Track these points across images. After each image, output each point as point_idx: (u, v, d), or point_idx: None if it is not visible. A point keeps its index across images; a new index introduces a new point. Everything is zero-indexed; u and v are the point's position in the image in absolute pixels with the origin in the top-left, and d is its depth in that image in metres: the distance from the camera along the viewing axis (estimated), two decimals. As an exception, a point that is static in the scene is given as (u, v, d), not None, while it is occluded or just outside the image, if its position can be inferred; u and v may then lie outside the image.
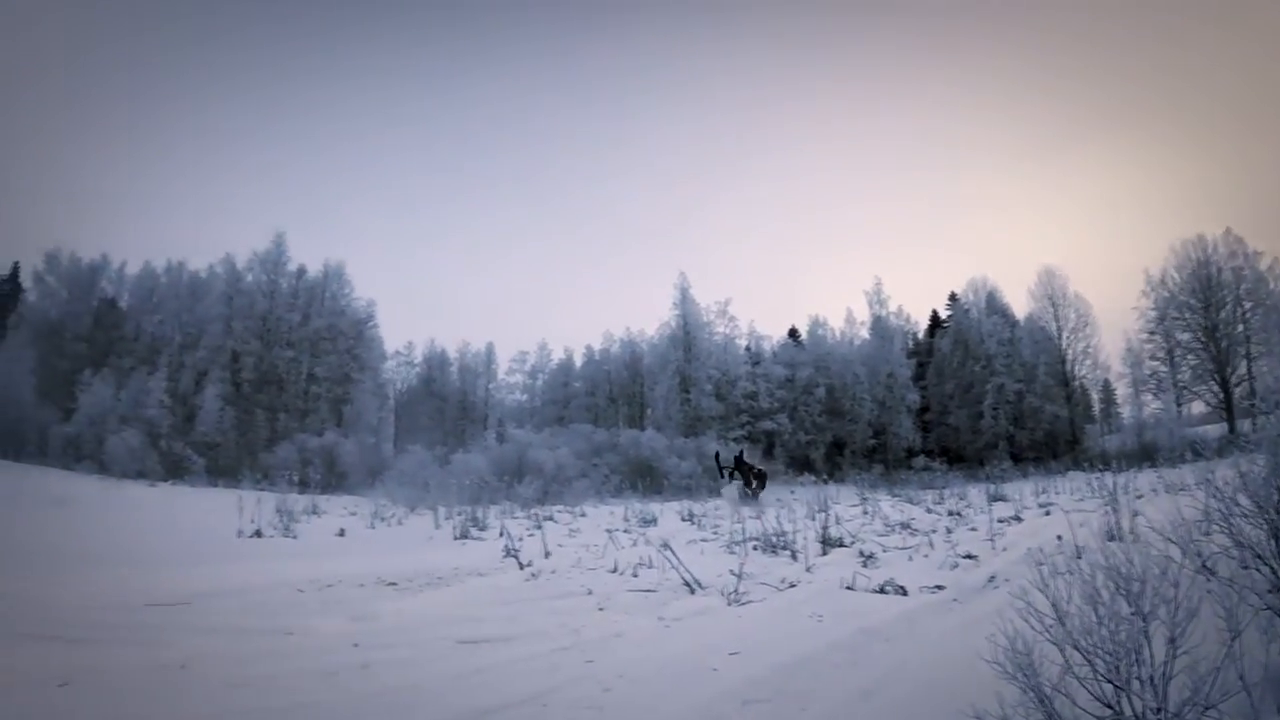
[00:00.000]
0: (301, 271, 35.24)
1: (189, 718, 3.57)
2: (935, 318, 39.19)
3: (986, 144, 62.65)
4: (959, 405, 35.37)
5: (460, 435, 35.71)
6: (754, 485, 21.01)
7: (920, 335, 39.14)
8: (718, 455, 23.61)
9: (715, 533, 12.15)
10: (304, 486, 20.54)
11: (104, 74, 56.25)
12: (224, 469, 27.26)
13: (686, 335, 36.69)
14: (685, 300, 37.38)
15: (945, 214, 58.99)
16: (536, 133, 63.51)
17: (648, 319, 52.88)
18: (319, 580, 7.85)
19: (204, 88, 58.20)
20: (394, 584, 7.73)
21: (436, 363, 39.44)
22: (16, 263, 33.31)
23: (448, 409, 38.01)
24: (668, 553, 7.35)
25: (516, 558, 8.87)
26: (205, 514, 15.19)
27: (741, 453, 23.23)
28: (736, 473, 20.82)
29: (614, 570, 7.87)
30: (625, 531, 12.46)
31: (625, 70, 62.13)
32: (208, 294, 33.44)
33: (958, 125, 61.34)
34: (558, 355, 40.29)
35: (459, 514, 14.94)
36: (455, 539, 12.38)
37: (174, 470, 26.45)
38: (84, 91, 54.01)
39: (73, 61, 53.07)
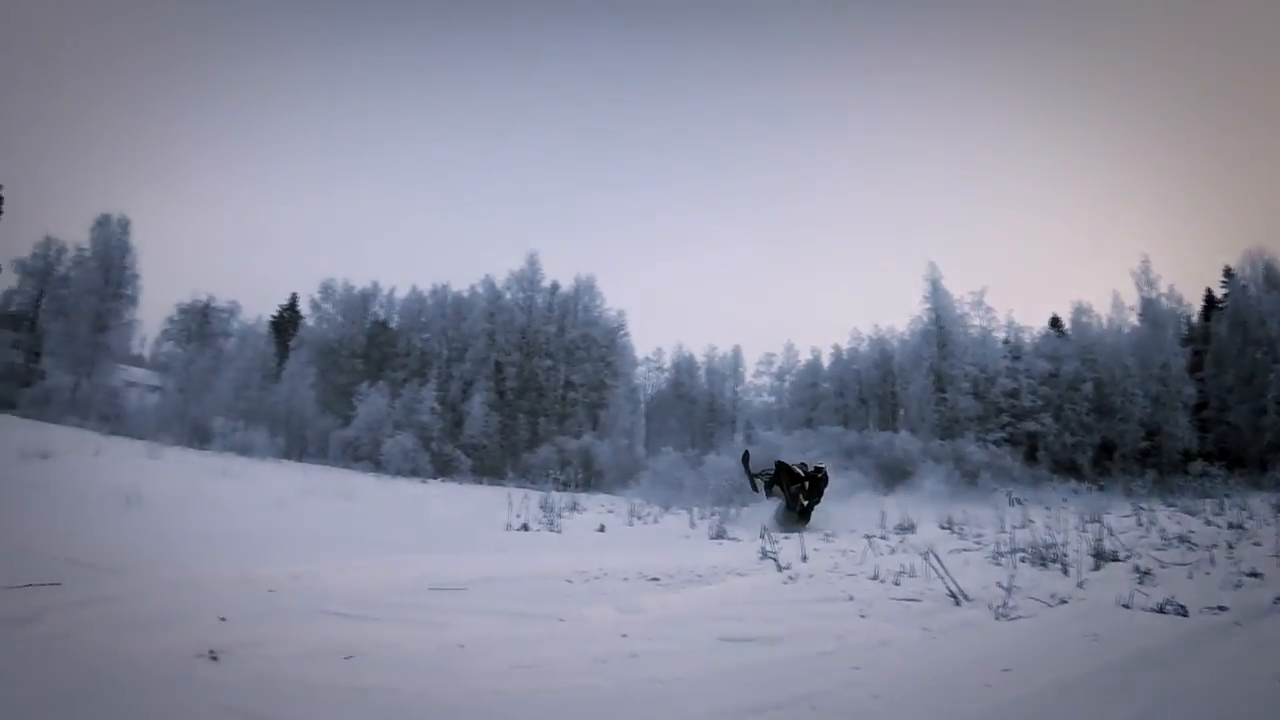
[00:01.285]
0: (555, 287, 40.30)
1: (469, 693, 3.84)
2: (1210, 298, 34.97)
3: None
4: (1239, 400, 31.47)
5: (709, 437, 37.76)
6: (801, 500, 16.05)
7: (1194, 319, 35.01)
8: (746, 456, 19.60)
9: (978, 542, 11.91)
10: (563, 485, 22.26)
11: (364, 119, 66.38)
12: (489, 468, 32.52)
13: (940, 329, 35.63)
14: (936, 292, 36.31)
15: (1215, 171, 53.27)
16: (779, 133, 65.69)
17: (896, 314, 52.69)
18: (585, 572, 8.21)
19: (469, 131, 66.59)
20: (656, 579, 7.99)
21: (685, 367, 41.86)
22: (294, 293, 40.43)
23: (696, 412, 40.34)
24: (933, 561, 7.32)
25: (775, 560, 9.07)
26: (475, 508, 16.76)
27: (753, 465, 19.36)
28: (776, 485, 16.84)
29: (874, 577, 7.84)
30: (883, 538, 12.53)
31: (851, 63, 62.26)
32: (470, 312, 39.18)
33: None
34: (804, 356, 40.59)
35: (713, 514, 15.56)
36: (711, 538, 12.88)
37: (443, 469, 31.92)
38: (347, 144, 63.95)
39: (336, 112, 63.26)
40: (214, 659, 4.01)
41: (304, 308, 39.50)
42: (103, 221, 33.75)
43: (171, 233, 54.53)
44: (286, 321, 38.75)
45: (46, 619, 4.53)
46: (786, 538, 12.17)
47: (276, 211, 62.00)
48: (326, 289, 38.86)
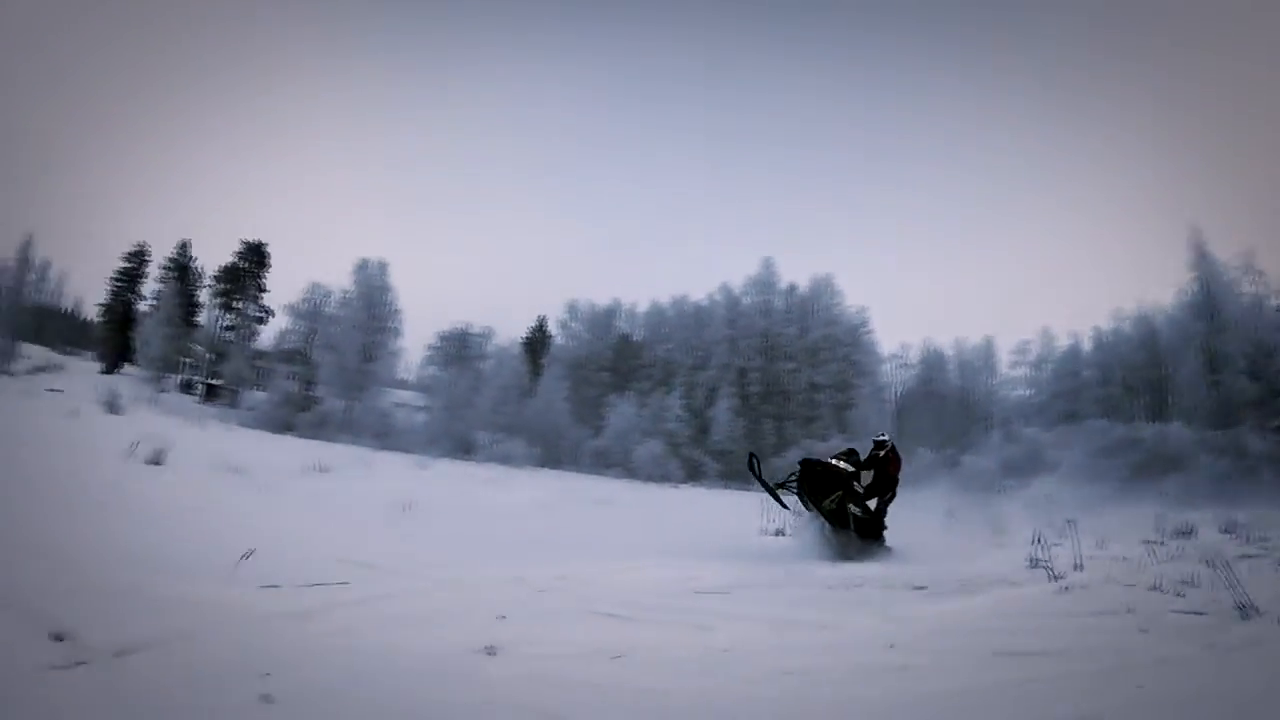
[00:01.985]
0: (792, 289, 42.54)
1: (741, 699, 4.04)
2: None
3: None
4: None
5: (962, 436, 36.51)
6: (852, 510, 11.61)
7: None
8: (754, 461, 12.78)
9: (1264, 547, 11.08)
10: None
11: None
12: (736, 473, 34.22)
13: (1209, 301, 32.39)
14: (1203, 261, 33.03)
15: None
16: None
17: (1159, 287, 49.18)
18: (846, 579, 8.52)
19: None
20: (922, 587, 8.05)
21: (934, 362, 41.43)
22: (543, 316, 45.83)
23: (947, 408, 39.28)
24: (1219, 570, 6.94)
25: (1048, 569, 8.68)
26: (727, 512, 17.55)
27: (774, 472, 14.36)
28: (805, 492, 11.86)
29: (1154, 588, 7.34)
30: (1160, 543, 11.90)
31: None
32: (710, 320, 42.32)
33: None
34: (1063, 341, 38.37)
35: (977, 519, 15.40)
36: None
37: (692, 474, 35.14)
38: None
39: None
40: (492, 655, 4.56)
41: (552, 328, 44.78)
42: (362, 265, 39.98)
43: (427, 270, 63.06)
44: (537, 341, 43.95)
45: (334, 615, 5.26)
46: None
47: (517, 243, 69.99)
48: (573, 309, 43.91)
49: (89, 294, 48.53)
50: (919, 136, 72.01)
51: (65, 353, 46.49)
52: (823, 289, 42.16)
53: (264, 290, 43.39)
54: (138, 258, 45.08)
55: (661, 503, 22.05)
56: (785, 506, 12.60)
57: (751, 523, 13.96)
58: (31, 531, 6.41)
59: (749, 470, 13.03)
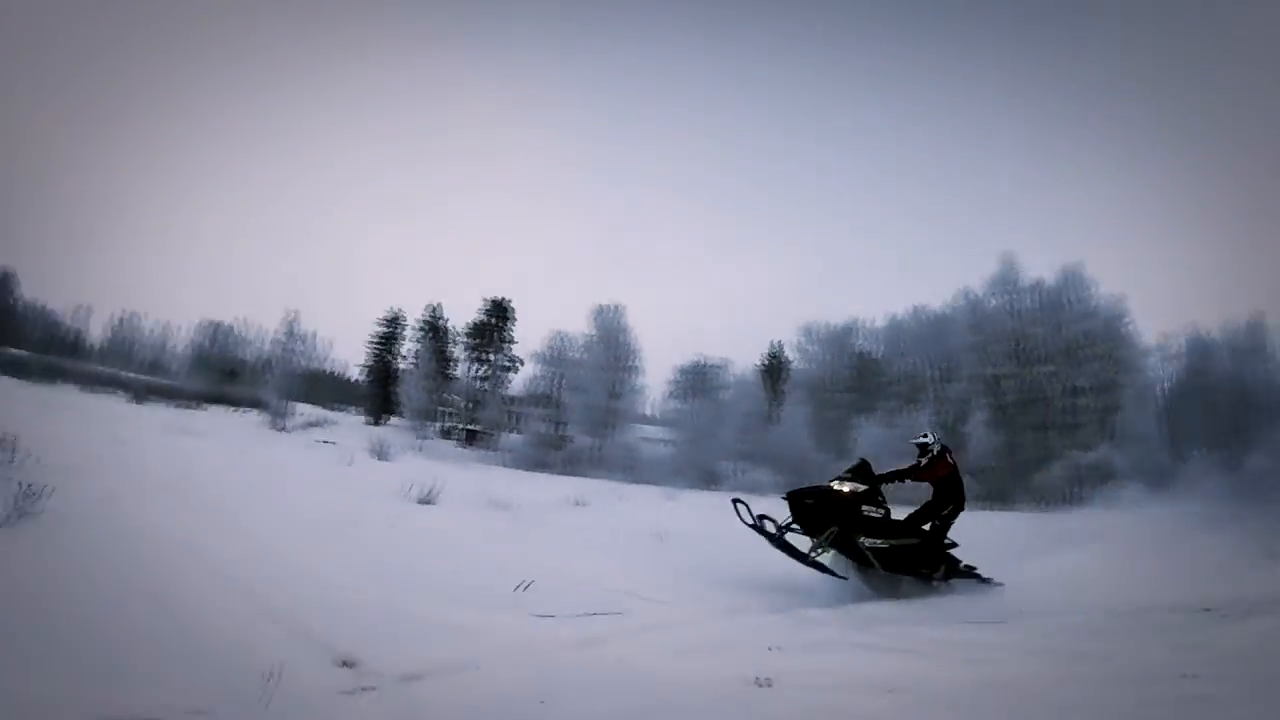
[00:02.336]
0: (1039, 284, 40.16)
1: None
2: None
3: None
4: None
5: (1241, 432, 33.27)
6: (862, 545, 10.34)
7: None
8: (736, 504, 10.93)
9: None
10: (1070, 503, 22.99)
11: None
12: (995, 492, 33.90)
13: None
14: None
15: None
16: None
17: None
18: (1132, 603, 8.50)
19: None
20: (1209, 609, 7.84)
21: (1201, 350, 38.11)
22: (779, 341, 46.82)
23: (1221, 402, 35.63)
24: None
25: None
26: (994, 534, 16.11)
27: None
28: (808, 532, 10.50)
29: None
30: None
31: None
32: (953, 328, 41.36)
33: None
34: None
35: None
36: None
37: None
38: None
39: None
40: (766, 686, 4.70)
41: (788, 353, 45.92)
42: (601, 311, 44.02)
43: (659, 306, 67.47)
44: (774, 367, 45.59)
45: (612, 643, 5.57)
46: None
47: (746, 269, 73.26)
48: (808, 330, 44.75)
49: (352, 356, 55.03)
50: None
51: (333, 409, 53.78)
52: (1072, 280, 39.53)
53: (511, 342, 48.17)
54: (393, 322, 51.51)
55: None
56: (820, 566, 10.08)
57: (1014, 544, 13.75)
58: (319, 566, 7.23)
59: (736, 512, 10.72)
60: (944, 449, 11.43)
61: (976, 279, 42.84)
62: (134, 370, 55.32)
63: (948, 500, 11.12)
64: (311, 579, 6.78)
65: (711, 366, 44.39)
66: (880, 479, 10.78)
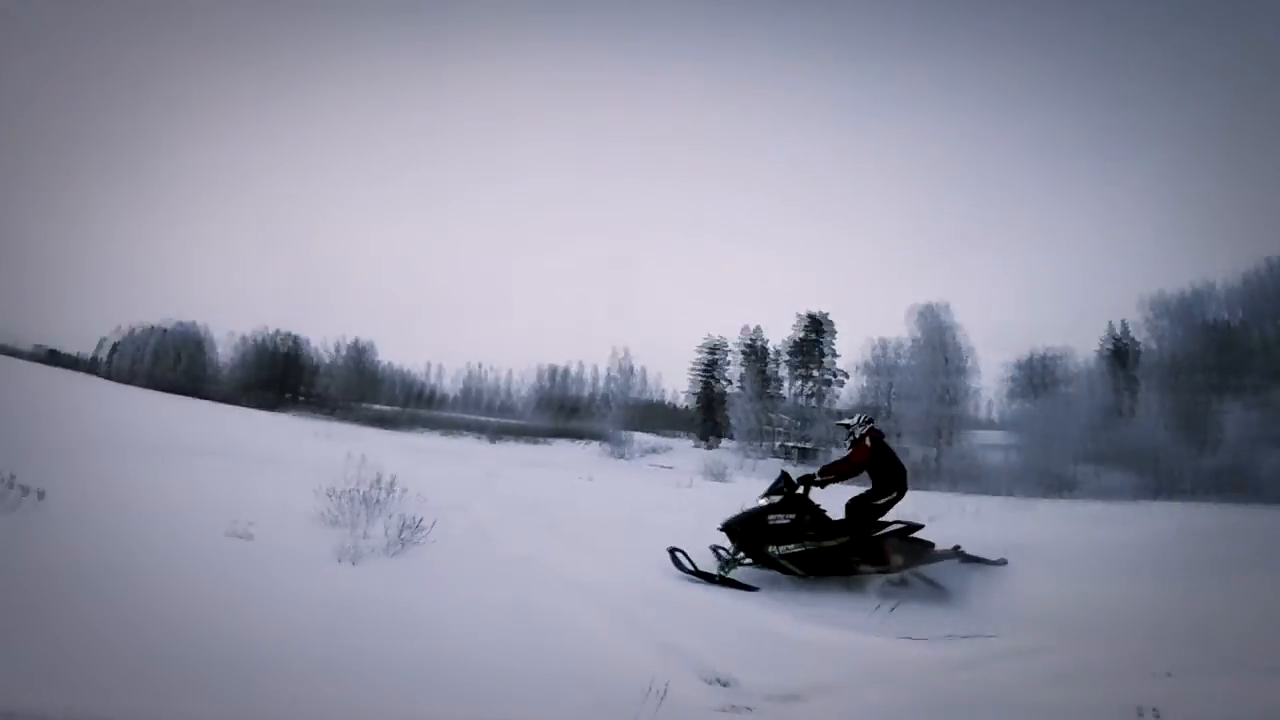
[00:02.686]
0: None
1: None
2: None
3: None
4: None
5: None
6: (776, 556, 10.41)
7: None
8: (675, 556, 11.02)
9: None
10: None
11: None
12: None
13: None
14: None
15: None
16: None
17: None
18: None
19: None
20: None
21: None
22: (1123, 320, 43.86)
23: None
24: None
25: None
26: None
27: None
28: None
29: None
30: None
31: None
32: None
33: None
34: None
35: None
36: None
37: None
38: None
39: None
40: (1156, 716, 4.55)
41: (1135, 334, 42.35)
42: (924, 311, 44.64)
43: (986, 301, 67.18)
44: (1123, 351, 42.45)
45: (980, 667, 5.54)
46: None
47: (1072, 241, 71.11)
48: (1156, 304, 40.20)
49: (678, 384, 60.19)
50: None
51: (666, 435, 59.10)
52: None
53: (833, 355, 50.75)
54: (714, 349, 56.68)
55: None
56: (730, 582, 10.28)
57: None
58: (677, 585, 7.85)
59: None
60: (866, 432, 11.20)
61: None
62: (485, 414, 63.91)
63: (888, 487, 10.91)
64: (672, 598, 7.34)
65: (1051, 358, 43.14)
66: (805, 481, 10.91)
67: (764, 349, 53.48)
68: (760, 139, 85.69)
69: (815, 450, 47.68)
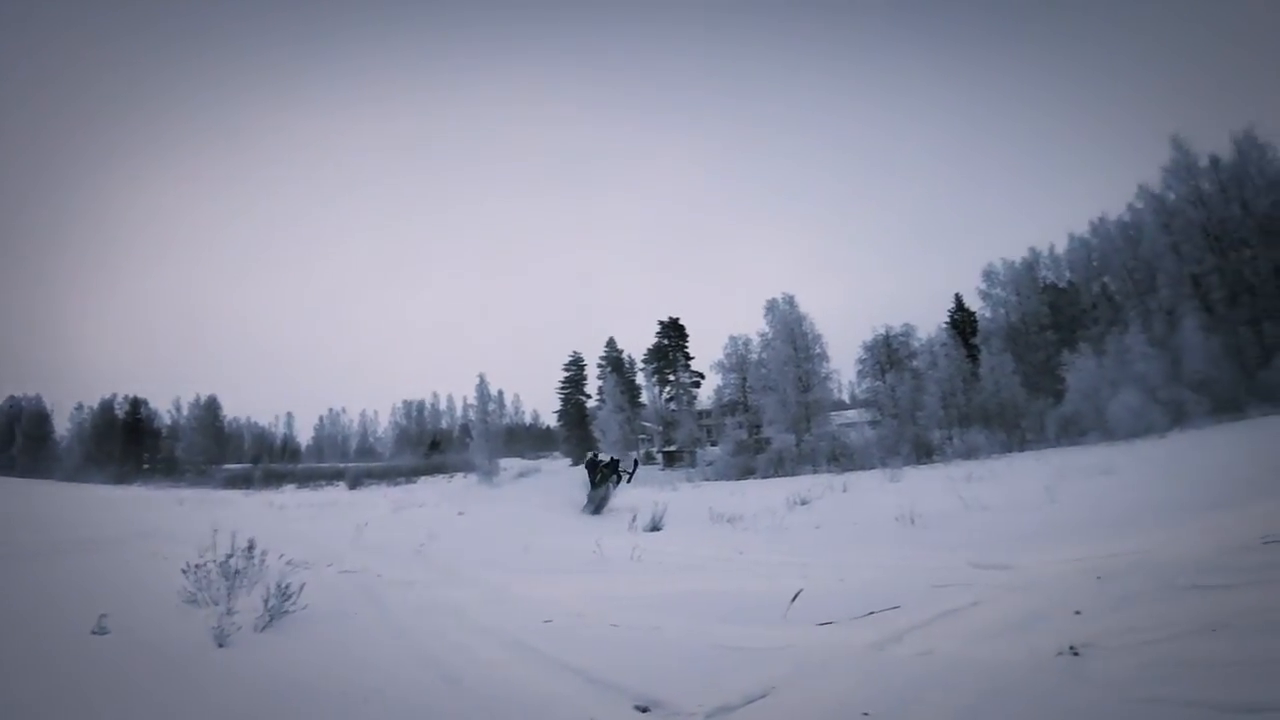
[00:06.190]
0: (1215, 161, 36.77)
1: None
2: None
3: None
4: None
5: None
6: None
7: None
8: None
9: None
10: None
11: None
12: (1225, 402, 31.40)
13: None
14: None
15: None
16: None
17: None
18: None
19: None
20: None
21: None
22: (958, 294, 45.93)
23: None
24: None
25: None
26: (1243, 449, 17.40)
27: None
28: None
29: None
30: None
31: None
32: (1140, 234, 38.70)
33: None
34: None
35: None
36: None
37: (1177, 417, 32.10)
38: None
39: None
40: (1075, 654, 4.67)
41: (972, 301, 44.61)
42: (771, 305, 45.30)
43: (831, 288, 68.22)
44: (961, 321, 44.24)
45: (909, 640, 5.48)
46: None
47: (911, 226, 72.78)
48: (989, 274, 43.28)
49: (544, 404, 59.32)
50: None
51: (536, 457, 57.80)
52: (1248, 147, 35.97)
53: (690, 358, 50.20)
54: (576, 365, 55.37)
55: (1167, 454, 20.96)
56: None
57: (1275, 453, 13.30)
58: (583, 610, 7.34)
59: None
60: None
61: (1153, 172, 40.02)
62: (345, 460, 61.34)
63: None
64: (576, 624, 6.88)
65: (896, 336, 44.55)
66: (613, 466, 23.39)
67: (623, 359, 52.64)
68: (610, 157, 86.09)
69: (681, 453, 47.11)
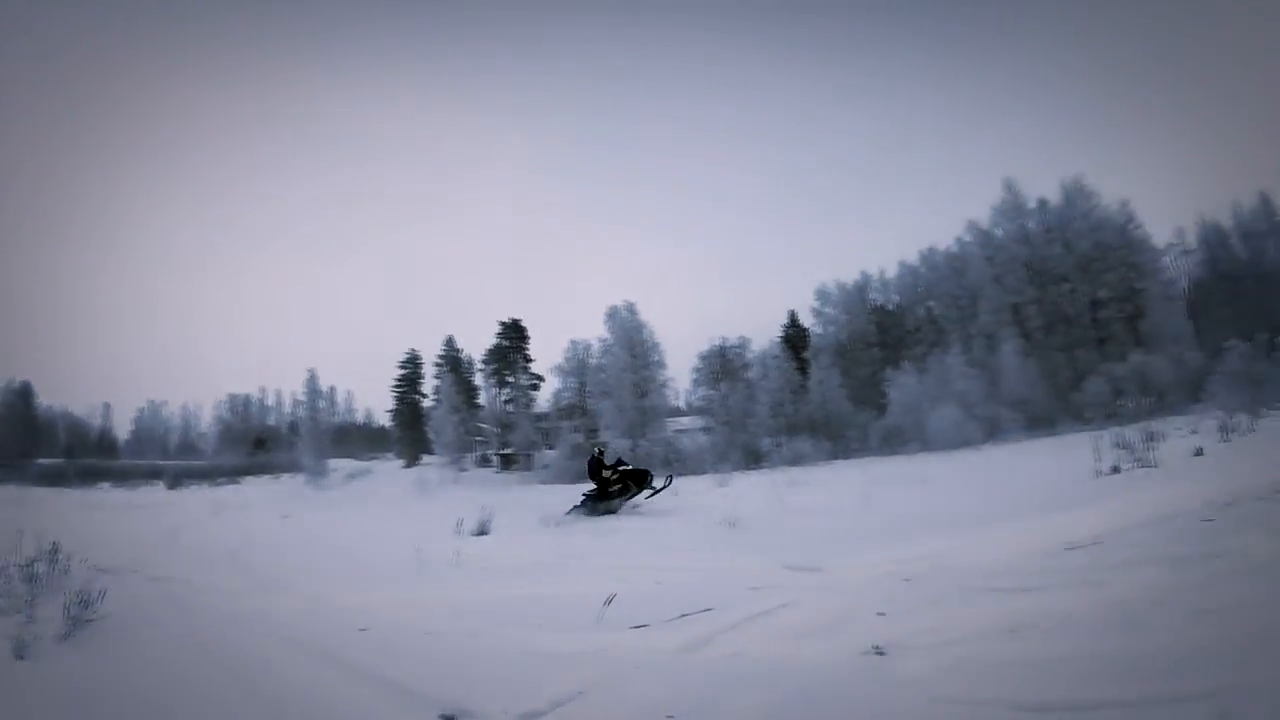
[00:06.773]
0: (1043, 204, 41.42)
1: (1152, 651, 4.25)
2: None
3: None
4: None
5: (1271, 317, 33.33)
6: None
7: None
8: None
9: None
10: (1118, 419, 23.66)
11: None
12: (1039, 419, 34.33)
13: None
14: None
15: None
16: None
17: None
18: (1215, 503, 8.81)
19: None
20: None
21: (1215, 240, 39.86)
22: (792, 311, 47.33)
23: (1244, 290, 36.97)
24: None
25: None
26: (1047, 463, 18.10)
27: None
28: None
29: None
30: None
31: None
32: (966, 265, 42.05)
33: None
34: None
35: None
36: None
37: (992, 432, 34.21)
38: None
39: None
40: (880, 654, 4.86)
41: (806, 319, 46.33)
42: (612, 313, 44.81)
43: (669, 298, 68.39)
44: (795, 337, 45.71)
45: (719, 642, 5.61)
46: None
47: (753, 245, 73.86)
48: (821, 294, 45.29)
49: (378, 403, 57.01)
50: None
51: (369, 459, 55.27)
52: (1075, 194, 40.63)
53: (530, 360, 49.12)
54: (412, 362, 52.96)
55: (979, 466, 22.17)
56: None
57: (1080, 468, 13.89)
58: (394, 617, 7.10)
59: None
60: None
61: (983, 210, 43.70)
62: (164, 457, 57.16)
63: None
64: (390, 632, 6.66)
65: (731, 348, 45.10)
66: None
67: (461, 359, 51.09)
68: (452, 154, 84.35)
69: (520, 455, 46.12)
